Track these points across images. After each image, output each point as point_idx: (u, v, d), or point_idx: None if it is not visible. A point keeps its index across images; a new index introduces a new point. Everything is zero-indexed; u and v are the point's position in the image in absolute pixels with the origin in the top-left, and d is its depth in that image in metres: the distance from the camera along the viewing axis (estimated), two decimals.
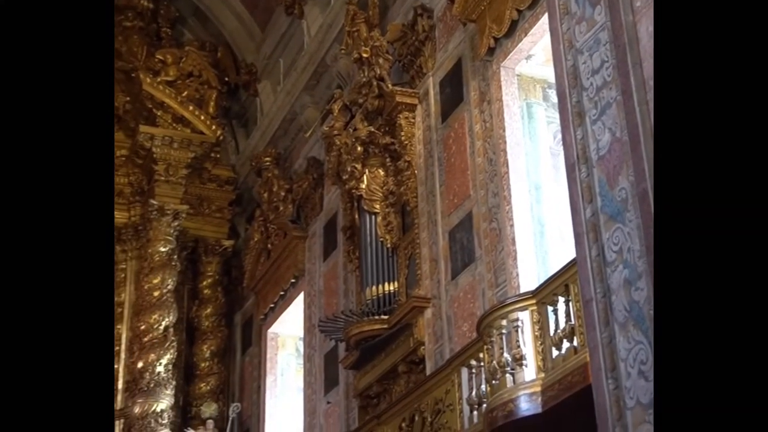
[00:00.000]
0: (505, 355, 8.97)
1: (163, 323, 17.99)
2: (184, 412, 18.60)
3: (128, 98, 19.93)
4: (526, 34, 11.27)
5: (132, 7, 20.49)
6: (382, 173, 13.57)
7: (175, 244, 18.79)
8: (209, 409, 17.98)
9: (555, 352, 8.63)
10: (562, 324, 8.53)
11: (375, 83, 13.63)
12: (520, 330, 8.92)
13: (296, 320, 17.27)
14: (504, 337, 9.05)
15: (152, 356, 17.70)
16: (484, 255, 11.23)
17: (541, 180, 11.17)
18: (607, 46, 7.18)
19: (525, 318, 8.93)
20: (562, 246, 10.49)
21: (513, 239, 10.80)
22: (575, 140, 7.33)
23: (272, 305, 17.99)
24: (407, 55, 13.64)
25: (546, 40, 10.22)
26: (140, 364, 17.71)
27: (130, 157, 19.54)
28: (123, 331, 18.85)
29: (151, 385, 17.55)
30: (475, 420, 9.91)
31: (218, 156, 19.98)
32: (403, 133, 13.26)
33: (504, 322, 9.07)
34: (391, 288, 12.97)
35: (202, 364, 19.14)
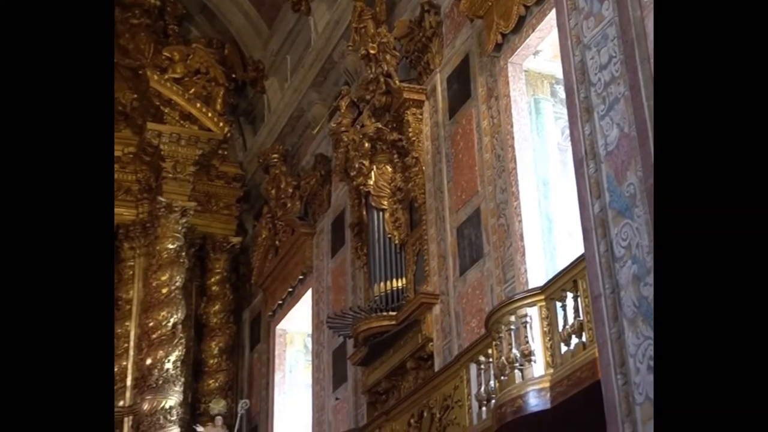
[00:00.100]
0: (514, 350, 8.97)
1: (172, 320, 18.03)
2: (193, 408, 18.64)
3: (135, 95, 19.99)
4: (533, 30, 11.25)
5: (139, 4, 20.53)
6: (389, 169, 13.57)
7: (183, 241, 18.83)
8: (218, 406, 18.00)
9: (564, 348, 8.62)
10: (570, 320, 8.52)
11: (382, 80, 13.63)
12: (528, 326, 8.91)
13: (304, 317, 17.29)
14: (512, 333, 9.04)
15: (161, 353, 17.74)
16: (492, 251, 11.23)
17: (549, 176, 11.16)
18: (615, 42, 7.17)
19: (533, 314, 8.93)
20: (570, 242, 10.48)
21: (521, 235, 10.79)
22: (583, 136, 7.33)
23: (280, 302, 18.01)
24: (414, 51, 13.63)
25: (553, 36, 10.21)
26: (149, 361, 17.74)
27: (137, 154, 19.58)
28: (131, 328, 18.91)
29: (160, 382, 17.59)
30: (484, 416, 9.90)
31: (226, 153, 20.00)
32: (410, 130, 13.26)
33: (512, 318, 9.06)
34: (399, 284, 12.97)
35: (211, 361, 19.17)
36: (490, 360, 9.69)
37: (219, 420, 17.65)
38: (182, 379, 17.93)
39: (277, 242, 18.17)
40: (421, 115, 13.32)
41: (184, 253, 18.77)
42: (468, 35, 12.58)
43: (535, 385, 8.74)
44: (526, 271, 10.59)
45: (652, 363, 6.26)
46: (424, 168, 13.03)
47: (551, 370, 8.69)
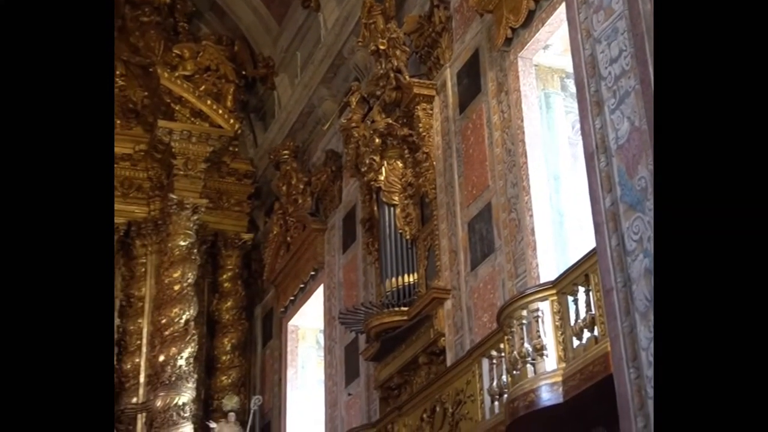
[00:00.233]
0: (526, 345, 8.98)
1: (184, 317, 18.06)
2: (206, 405, 18.69)
3: (146, 93, 20.03)
4: (543, 24, 11.24)
5: (149, 2, 20.56)
6: (400, 165, 13.57)
7: (195, 238, 18.86)
8: (231, 402, 18.04)
9: (576, 342, 8.63)
10: (582, 314, 8.53)
11: (392, 75, 13.63)
12: (540, 320, 8.92)
13: (316, 312, 17.32)
14: (524, 328, 9.06)
15: (173, 350, 17.77)
16: (504, 245, 11.23)
17: (559, 170, 11.16)
18: (625, 35, 7.15)
19: (545, 308, 8.94)
20: (581, 236, 10.48)
21: (532, 229, 10.79)
22: (594, 130, 7.31)
23: (292, 298, 18.04)
24: (424, 46, 13.63)
25: (563, 30, 10.20)
26: (162, 358, 17.78)
27: (148, 151, 19.62)
28: (144, 326, 18.96)
29: (173, 379, 17.62)
30: (497, 410, 9.92)
31: (236, 150, 20.03)
32: (421, 125, 13.26)
33: (524, 313, 9.08)
34: (411, 279, 12.98)
35: (223, 357, 19.22)
36: (502, 354, 9.71)
37: (232, 416, 17.69)
38: (195, 376, 17.97)
39: (288, 238, 18.19)
40: (432, 110, 13.32)
41: (195, 250, 18.81)
42: (478, 30, 12.57)
43: (548, 380, 8.75)
44: (537, 265, 10.59)
45: None
46: (434, 163, 13.03)
47: (563, 365, 8.70)
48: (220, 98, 19.88)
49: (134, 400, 18.51)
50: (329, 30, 16.81)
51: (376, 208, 13.96)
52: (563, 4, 9.00)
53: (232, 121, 19.52)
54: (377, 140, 13.66)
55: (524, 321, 9.06)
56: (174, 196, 18.79)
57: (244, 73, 20.46)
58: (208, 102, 19.42)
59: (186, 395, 17.63)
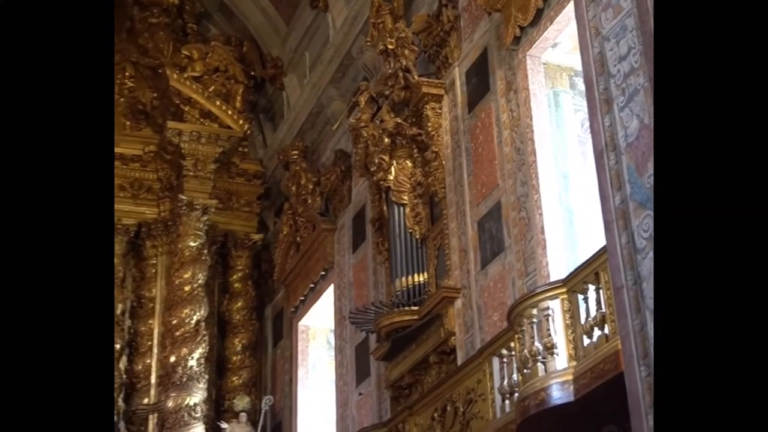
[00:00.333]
0: (536, 343, 8.97)
1: (195, 317, 18.09)
2: (217, 405, 18.72)
3: (155, 94, 20.08)
4: (551, 23, 11.23)
5: (158, 3, 20.59)
6: (409, 164, 13.57)
7: (205, 238, 18.89)
8: (242, 403, 18.05)
9: (586, 340, 8.62)
10: (593, 312, 8.51)
11: (401, 74, 13.62)
12: (550, 318, 8.91)
13: (327, 312, 17.33)
14: (535, 326, 9.05)
15: (184, 350, 17.80)
16: (514, 244, 11.22)
17: (569, 168, 11.15)
18: (634, 33, 7.15)
19: (555, 306, 8.93)
20: (591, 234, 10.46)
21: (542, 228, 10.79)
22: (603, 128, 7.31)
23: (302, 298, 18.05)
24: (433, 45, 13.63)
25: (572, 28, 10.19)
26: (173, 359, 17.81)
27: (158, 152, 19.65)
28: (155, 326, 19.00)
29: (184, 379, 17.65)
30: (507, 409, 9.92)
31: (246, 150, 20.06)
32: (429, 124, 13.25)
33: (534, 311, 9.07)
34: (421, 279, 12.98)
35: (234, 358, 19.24)
36: (513, 353, 9.70)
37: (243, 416, 17.70)
38: (206, 376, 18.00)
39: (298, 238, 18.21)
40: (441, 109, 13.32)
41: (206, 251, 18.84)
42: (486, 29, 12.56)
43: (558, 378, 8.74)
44: (547, 264, 10.59)
45: None
46: (443, 162, 13.03)
47: (574, 363, 8.69)
48: (229, 99, 19.90)
49: (145, 400, 18.56)
50: (338, 30, 16.82)
51: (385, 208, 13.96)
52: (571, 2, 9.00)
53: (241, 121, 19.54)
54: (386, 140, 13.66)
55: (535, 319, 9.05)
56: (184, 197, 18.82)
57: (252, 73, 20.48)
58: (217, 103, 19.45)
59: (197, 396, 17.66)
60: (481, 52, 12.65)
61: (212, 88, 19.80)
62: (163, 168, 19.73)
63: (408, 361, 13.18)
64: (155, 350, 18.84)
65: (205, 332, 18.20)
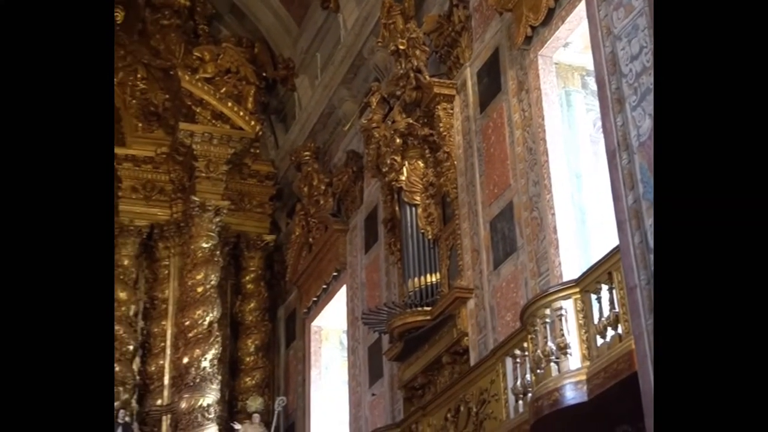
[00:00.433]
0: (550, 344, 8.96)
1: (208, 319, 18.12)
2: (230, 406, 18.76)
3: (167, 96, 20.13)
4: (563, 22, 11.22)
5: (169, 5, 20.64)
6: (421, 165, 13.57)
7: (217, 239, 18.92)
8: (255, 403, 18.09)
9: (599, 340, 8.60)
10: (606, 312, 8.50)
11: (412, 75, 13.62)
12: (563, 318, 8.90)
13: (339, 313, 17.33)
14: (548, 326, 9.04)
15: (197, 351, 17.83)
16: (526, 244, 11.21)
17: (581, 168, 11.13)
18: (646, 32, 7.13)
19: (568, 306, 8.92)
20: (604, 233, 10.44)
21: (554, 228, 10.77)
22: (615, 127, 7.29)
23: (315, 299, 18.07)
24: (444, 46, 13.62)
25: (583, 28, 10.17)
26: (186, 360, 17.84)
27: (170, 154, 19.70)
28: (168, 328, 19.05)
29: (197, 381, 17.69)
30: (521, 409, 9.91)
31: (258, 151, 20.09)
32: (441, 124, 13.25)
33: (547, 311, 9.05)
34: (434, 279, 12.97)
35: (247, 359, 19.27)
36: (526, 353, 9.69)
37: (256, 417, 17.74)
38: (219, 377, 18.03)
39: (310, 239, 18.22)
40: (452, 109, 13.31)
41: (218, 252, 18.87)
42: (497, 29, 12.55)
43: (572, 378, 8.72)
44: (560, 263, 10.57)
45: None
46: (455, 162, 13.02)
47: (587, 363, 8.68)
48: (241, 100, 19.94)
49: (159, 402, 18.61)
50: (349, 31, 16.83)
51: (397, 208, 13.96)
52: (583, 2, 8.99)
53: (253, 122, 19.57)
54: (398, 140, 13.66)
55: (548, 319, 9.04)
56: (196, 198, 18.85)
57: (264, 74, 20.52)
58: (229, 104, 19.48)
59: (210, 397, 17.69)
60: (492, 52, 12.63)
61: (224, 89, 19.83)
62: (176, 169, 19.78)
63: (421, 362, 13.18)
64: (168, 351, 18.89)
65: (217, 333, 18.23)
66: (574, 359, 8.80)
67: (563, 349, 8.83)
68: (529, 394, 9.54)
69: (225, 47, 20.39)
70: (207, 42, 20.65)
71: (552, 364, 8.92)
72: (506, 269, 11.59)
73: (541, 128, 11.29)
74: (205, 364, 17.78)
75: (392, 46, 14.14)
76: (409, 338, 13.16)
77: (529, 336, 9.40)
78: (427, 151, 13.53)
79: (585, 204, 10.96)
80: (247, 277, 19.89)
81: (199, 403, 17.56)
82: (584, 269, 9.12)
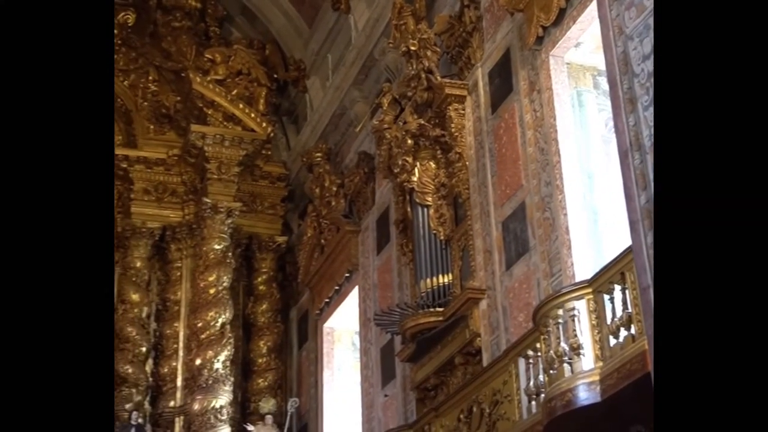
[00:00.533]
0: (563, 344, 8.94)
1: (220, 320, 18.15)
2: (243, 407, 18.78)
3: (179, 98, 20.17)
4: (574, 22, 11.20)
5: (180, 7, 20.68)
6: (433, 166, 13.56)
7: (229, 241, 18.94)
8: (267, 405, 18.09)
9: (613, 341, 8.58)
10: (619, 312, 8.48)
11: (423, 76, 13.62)
12: (576, 319, 8.88)
13: (351, 314, 17.34)
14: (561, 327, 9.02)
15: (210, 353, 17.86)
16: (538, 245, 11.19)
17: (593, 168, 11.11)
18: None
19: (581, 307, 8.90)
20: (616, 234, 10.42)
21: (567, 228, 10.75)
22: (627, 127, 7.27)
23: (327, 300, 18.08)
24: (455, 46, 13.62)
25: (595, 28, 10.15)
26: (198, 362, 17.87)
27: (182, 156, 19.74)
28: (180, 329, 19.08)
29: (210, 382, 17.71)
30: (534, 410, 9.90)
31: (269, 153, 20.10)
32: (453, 125, 13.24)
33: (560, 312, 9.04)
34: (446, 280, 12.96)
35: (260, 360, 19.29)
36: (539, 354, 9.68)
37: (269, 419, 17.74)
38: (232, 379, 18.05)
39: (322, 241, 18.23)
40: (464, 110, 13.30)
41: (230, 254, 18.89)
42: (508, 29, 12.54)
43: (585, 379, 8.71)
44: (572, 264, 10.55)
45: None
46: (467, 163, 13.01)
47: (600, 363, 8.66)
48: (252, 102, 19.97)
49: (172, 403, 18.64)
50: (360, 32, 16.83)
51: (409, 209, 13.95)
52: (594, 2, 8.98)
53: (264, 124, 19.59)
54: (409, 141, 13.66)
55: (560, 320, 9.03)
56: (208, 200, 18.88)
57: (275, 76, 20.55)
58: (241, 106, 19.51)
59: (223, 398, 17.72)
60: (503, 53, 12.62)
61: (235, 91, 19.87)
62: (187, 171, 19.82)
63: (433, 363, 13.17)
64: (181, 353, 18.92)
65: (230, 335, 18.26)
66: (587, 360, 8.78)
67: (576, 349, 8.82)
68: (542, 395, 9.52)
69: (236, 49, 20.43)
70: (218, 44, 20.70)
71: (565, 364, 8.90)
72: (519, 270, 11.58)
73: (552, 128, 11.28)
74: (218, 365, 17.81)
75: (403, 47, 14.14)
76: (422, 339, 13.16)
77: (542, 336, 9.38)
78: (438, 152, 13.53)
79: (597, 204, 10.94)
80: (259, 279, 19.92)
81: (212, 405, 17.59)
82: (597, 269, 9.10)
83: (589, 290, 8.90)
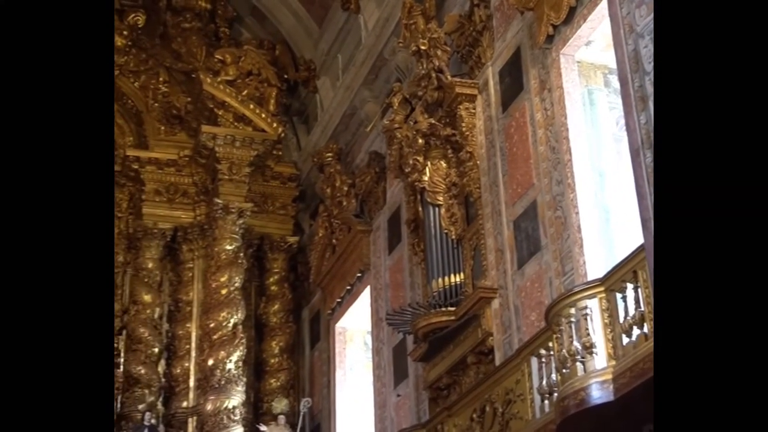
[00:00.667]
0: (575, 343, 8.93)
1: (232, 321, 18.17)
2: (256, 408, 18.80)
3: (189, 99, 20.20)
4: (584, 20, 11.17)
5: (190, 8, 20.71)
6: (444, 165, 13.55)
7: (241, 241, 18.96)
8: (280, 405, 18.11)
9: (625, 340, 8.57)
10: (631, 311, 8.46)
11: (434, 75, 13.61)
12: (589, 318, 8.87)
13: (363, 314, 17.34)
14: (573, 326, 9.01)
15: (222, 353, 17.88)
16: (550, 243, 11.18)
17: (604, 166, 11.09)
18: None
19: (594, 306, 8.88)
20: (628, 232, 10.40)
21: (578, 227, 10.73)
22: (639, 125, 7.28)
23: (339, 300, 18.08)
24: (465, 45, 13.60)
25: (605, 26, 10.14)
26: (211, 362, 17.90)
27: (193, 157, 19.77)
28: (192, 330, 19.11)
29: (222, 382, 17.74)
30: (547, 409, 9.89)
31: (280, 153, 20.12)
32: (463, 124, 13.23)
33: (573, 311, 9.03)
34: (457, 279, 12.95)
35: (272, 360, 19.31)
36: (551, 353, 9.67)
37: (282, 419, 17.77)
38: (244, 379, 18.07)
39: (333, 241, 18.24)
40: (474, 109, 13.29)
41: (242, 254, 18.91)
42: (519, 28, 12.53)
43: (598, 378, 8.70)
44: (584, 262, 10.53)
45: None
46: (478, 162, 13.00)
47: (613, 362, 8.65)
48: (263, 102, 19.99)
49: (184, 404, 18.67)
50: (370, 31, 16.83)
51: (420, 209, 13.95)
52: (605, 0, 8.95)
53: (275, 124, 19.61)
54: (420, 141, 13.65)
55: (573, 319, 9.01)
56: (219, 201, 18.91)
57: (285, 76, 20.56)
58: (251, 106, 19.53)
59: (236, 398, 17.74)
60: (514, 51, 12.61)
61: (246, 91, 19.89)
62: (198, 172, 19.85)
63: (446, 362, 13.17)
64: (193, 354, 18.95)
65: (242, 335, 18.28)
66: (600, 358, 8.77)
67: (589, 348, 8.80)
68: (555, 394, 9.51)
69: (246, 50, 20.45)
70: (228, 44, 20.72)
71: (578, 363, 8.89)
72: (530, 269, 11.56)
73: (564, 127, 11.26)
74: (230, 366, 17.83)
75: (413, 47, 14.13)
76: (434, 339, 13.15)
77: (555, 335, 9.37)
78: (449, 151, 13.52)
79: (609, 202, 10.92)
80: (271, 279, 19.94)
81: (225, 405, 17.60)
82: (609, 268, 9.08)
83: (602, 289, 8.88)
